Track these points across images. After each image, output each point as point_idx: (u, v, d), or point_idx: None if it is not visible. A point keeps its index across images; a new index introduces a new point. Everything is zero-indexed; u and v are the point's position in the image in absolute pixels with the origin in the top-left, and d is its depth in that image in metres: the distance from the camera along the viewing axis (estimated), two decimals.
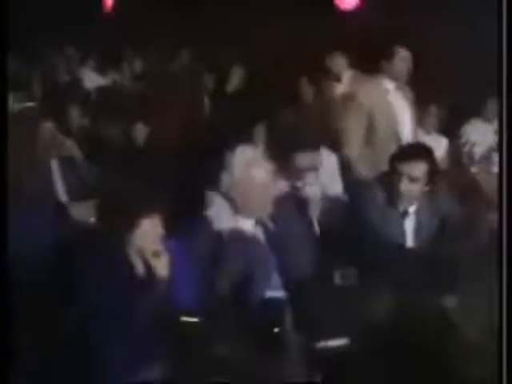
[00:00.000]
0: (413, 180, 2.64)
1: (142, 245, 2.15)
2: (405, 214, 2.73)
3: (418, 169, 2.64)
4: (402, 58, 3.47)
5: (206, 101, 5.10)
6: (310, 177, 2.88)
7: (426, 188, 2.70)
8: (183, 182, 3.16)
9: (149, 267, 2.14)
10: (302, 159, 2.86)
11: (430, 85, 4.26)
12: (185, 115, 4.44)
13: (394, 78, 3.51)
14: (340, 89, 4.63)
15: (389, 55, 3.46)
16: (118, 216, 2.12)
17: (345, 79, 4.64)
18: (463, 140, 4.69)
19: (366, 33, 4.88)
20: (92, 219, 2.58)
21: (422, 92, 3.72)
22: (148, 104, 4.39)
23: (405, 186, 2.64)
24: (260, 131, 3.70)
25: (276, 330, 2.06)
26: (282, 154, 2.79)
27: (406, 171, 2.63)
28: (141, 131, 4.02)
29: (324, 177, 3.06)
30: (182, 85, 4.94)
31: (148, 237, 2.15)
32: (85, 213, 2.77)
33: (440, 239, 2.66)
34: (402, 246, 2.69)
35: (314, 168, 2.90)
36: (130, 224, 2.13)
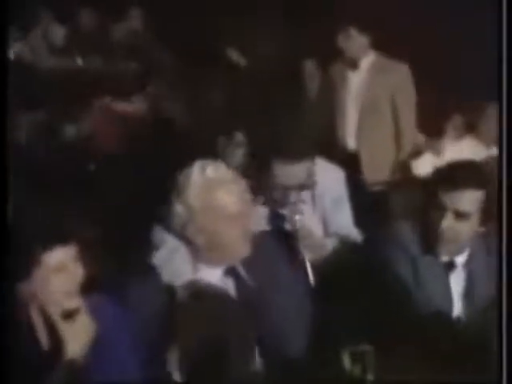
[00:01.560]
0: (461, 216, 2.63)
1: (48, 294, 2.11)
2: (450, 266, 2.74)
3: (470, 200, 2.63)
4: None
5: (160, 89, 5.11)
6: (299, 200, 2.90)
7: (481, 229, 2.69)
8: (118, 211, 3.17)
9: (56, 335, 2.11)
10: (285, 172, 2.89)
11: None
12: (124, 110, 4.44)
13: None
14: (355, 78, 4.69)
15: None
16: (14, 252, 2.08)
17: (363, 65, 4.74)
18: None
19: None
20: None
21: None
22: (71, 91, 4.38)
23: (449, 224, 2.63)
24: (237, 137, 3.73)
25: None
26: (259, 165, 2.81)
27: (451, 203, 2.63)
28: (57, 133, 4.01)
29: (326, 204, 3.12)
30: (123, 63, 4.96)
31: (57, 283, 2.11)
32: None
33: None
34: (445, 315, 2.68)
35: (303, 187, 2.94)
36: (30, 261, 2.08)
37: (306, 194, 3.06)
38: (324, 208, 3.15)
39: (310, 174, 3.04)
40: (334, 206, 3.18)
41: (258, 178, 2.84)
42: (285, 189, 2.96)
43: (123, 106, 4.44)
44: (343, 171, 3.31)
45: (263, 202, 2.97)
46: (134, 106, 4.49)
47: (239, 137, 4.14)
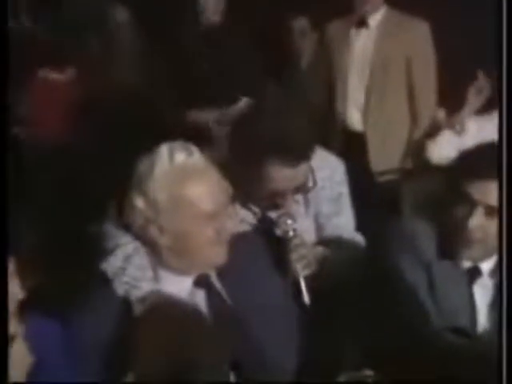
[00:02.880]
0: (493, 212, 2.64)
1: None
2: (473, 273, 2.78)
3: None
4: None
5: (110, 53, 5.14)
6: (290, 202, 2.93)
7: None
8: (62, 207, 3.21)
9: None
10: (281, 173, 2.90)
11: None
12: (65, 83, 4.47)
13: None
14: (360, 39, 4.77)
15: None
16: None
17: (371, 23, 4.80)
18: None
19: None
20: None
21: None
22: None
23: (479, 222, 2.66)
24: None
25: None
26: (244, 161, 2.83)
27: (480, 196, 2.65)
28: None
29: (322, 203, 3.13)
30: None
31: None
32: None
33: None
34: (467, 333, 2.72)
35: (297, 190, 2.96)
36: None
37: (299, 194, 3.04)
38: (320, 208, 3.15)
39: (309, 175, 3.02)
40: (332, 206, 3.17)
41: (243, 174, 2.80)
42: (277, 191, 2.93)
43: (62, 78, 4.45)
44: (343, 162, 3.27)
45: (247, 202, 2.97)
46: (77, 78, 4.49)
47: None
